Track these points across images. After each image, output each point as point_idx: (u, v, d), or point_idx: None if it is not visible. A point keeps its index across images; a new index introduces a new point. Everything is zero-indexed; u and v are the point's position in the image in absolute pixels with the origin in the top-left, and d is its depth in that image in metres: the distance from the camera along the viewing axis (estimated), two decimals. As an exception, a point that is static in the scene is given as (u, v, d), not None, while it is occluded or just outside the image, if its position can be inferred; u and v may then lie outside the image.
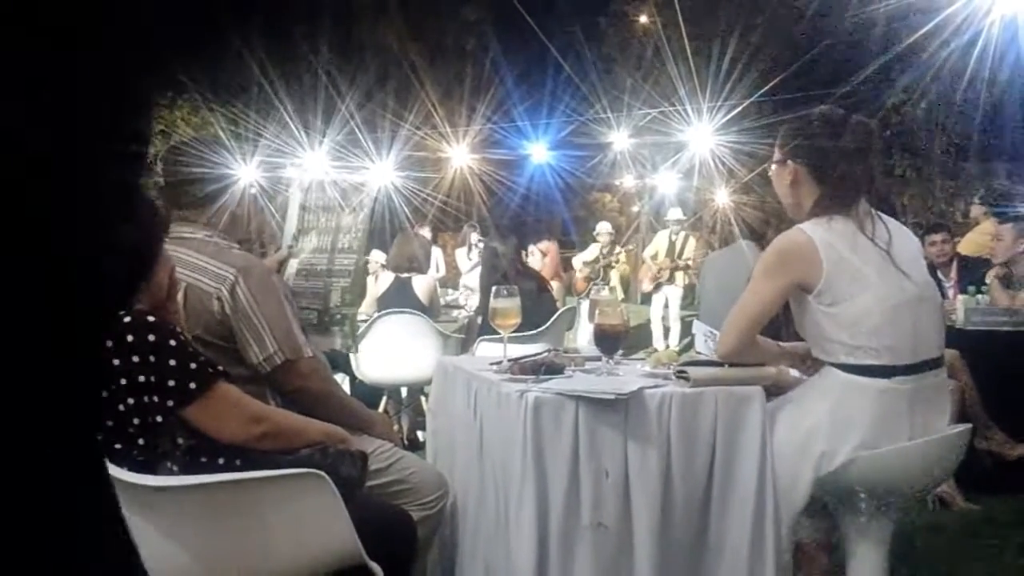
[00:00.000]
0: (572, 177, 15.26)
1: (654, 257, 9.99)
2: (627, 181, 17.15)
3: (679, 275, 9.78)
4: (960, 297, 4.57)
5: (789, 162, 2.37)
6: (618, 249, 10.35)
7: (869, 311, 2.20)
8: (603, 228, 10.59)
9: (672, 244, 9.90)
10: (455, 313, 6.18)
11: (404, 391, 5.39)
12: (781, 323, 2.50)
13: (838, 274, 2.21)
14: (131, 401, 1.76)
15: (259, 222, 2.89)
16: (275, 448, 1.93)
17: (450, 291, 8.24)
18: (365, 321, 5.06)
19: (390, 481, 2.30)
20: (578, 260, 10.52)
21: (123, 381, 1.75)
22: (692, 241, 10.04)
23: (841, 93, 10.34)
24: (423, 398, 5.17)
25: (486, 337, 4.73)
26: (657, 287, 9.83)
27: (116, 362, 1.76)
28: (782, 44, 13.98)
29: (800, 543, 2.41)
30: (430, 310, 5.36)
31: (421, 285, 5.40)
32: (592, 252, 10.38)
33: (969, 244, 7.10)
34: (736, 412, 2.24)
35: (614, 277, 10.28)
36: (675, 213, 10.37)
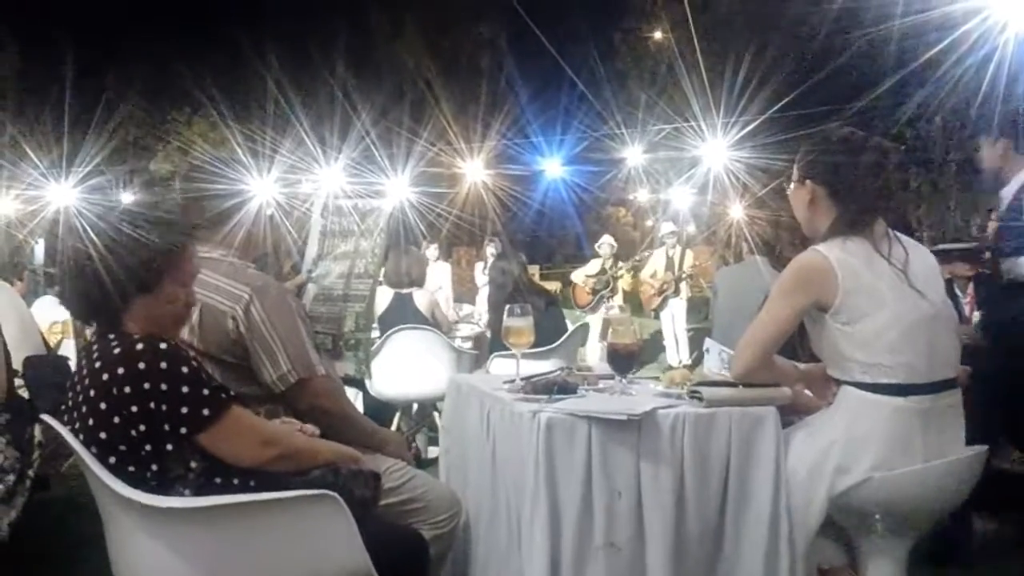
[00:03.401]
0: (586, 192, 15.30)
1: (653, 275, 10.02)
2: (641, 195, 17.15)
3: (682, 287, 9.81)
4: (976, 314, 4.52)
5: (807, 182, 2.38)
6: (620, 264, 10.32)
7: (885, 329, 2.20)
8: (605, 240, 10.56)
9: (670, 259, 9.93)
10: (466, 328, 6.17)
11: (415, 406, 5.37)
12: (796, 343, 2.49)
13: (854, 292, 2.21)
14: (143, 428, 1.75)
15: (275, 238, 2.89)
16: (288, 469, 1.93)
17: (465, 306, 8.27)
18: (377, 338, 5.05)
19: (403, 500, 2.30)
20: (579, 274, 10.48)
21: (135, 408, 1.74)
22: (689, 253, 10.09)
23: (856, 109, 10.31)
24: (436, 414, 5.16)
25: (500, 353, 4.73)
26: (664, 302, 9.87)
27: (127, 389, 1.74)
28: (796, 60, 13.96)
29: (828, 569, 2.39)
30: (437, 324, 5.35)
31: (422, 299, 5.39)
32: (594, 267, 10.34)
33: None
34: (750, 433, 2.23)
35: (619, 288, 10.25)
36: (667, 227, 10.45)
